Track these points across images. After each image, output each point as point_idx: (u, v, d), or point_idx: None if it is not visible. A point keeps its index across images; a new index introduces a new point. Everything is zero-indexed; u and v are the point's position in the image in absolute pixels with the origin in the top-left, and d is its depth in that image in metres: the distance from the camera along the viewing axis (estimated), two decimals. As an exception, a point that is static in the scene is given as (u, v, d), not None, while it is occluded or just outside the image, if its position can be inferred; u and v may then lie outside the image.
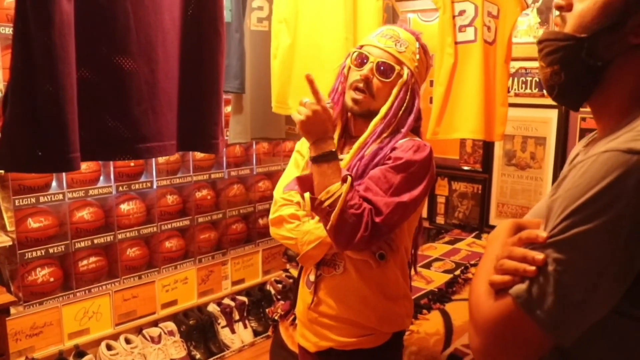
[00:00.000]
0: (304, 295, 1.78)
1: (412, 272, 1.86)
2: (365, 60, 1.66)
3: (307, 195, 1.48)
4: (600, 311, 0.82)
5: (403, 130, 1.65)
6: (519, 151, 3.34)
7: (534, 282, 0.83)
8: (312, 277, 1.74)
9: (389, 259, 1.63)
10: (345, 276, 1.67)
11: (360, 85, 1.64)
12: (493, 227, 3.40)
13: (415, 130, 1.74)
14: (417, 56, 1.68)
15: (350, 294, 1.67)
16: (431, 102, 3.23)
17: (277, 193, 1.80)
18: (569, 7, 0.93)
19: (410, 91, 1.66)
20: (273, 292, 3.67)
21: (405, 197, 1.55)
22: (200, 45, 1.49)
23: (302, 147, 1.84)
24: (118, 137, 1.33)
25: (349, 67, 1.70)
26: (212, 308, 3.49)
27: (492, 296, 0.88)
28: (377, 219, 1.50)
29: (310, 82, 1.48)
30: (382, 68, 1.64)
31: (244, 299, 3.61)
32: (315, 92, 1.50)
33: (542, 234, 0.84)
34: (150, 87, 1.37)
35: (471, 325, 0.92)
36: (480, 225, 3.52)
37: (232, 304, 3.53)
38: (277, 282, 3.59)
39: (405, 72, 1.65)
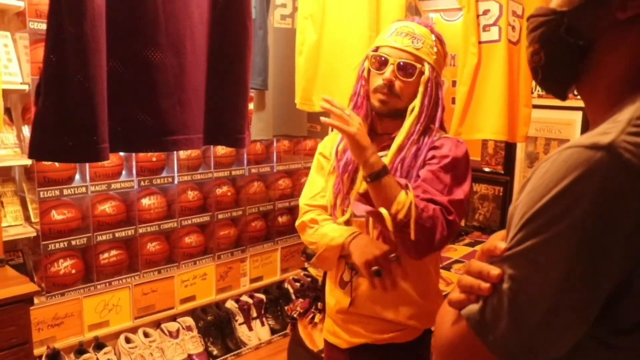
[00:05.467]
0: (338, 295, 1.77)
1: None
2: (385, 63, 1.64)
3: (384, 212, 1.45)
4: (568, 336, 0.70)
5: (434, 127, 1.66)
6: (542, 153, 3.31)
7: (487, 302, 0.73)
8: (346, 277, 1.73)
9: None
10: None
11: (384, 90, 1.63)
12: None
13: (442, 126, 1.73)
14: (435, 49, 1.65)
15: (386, 293, 1.67)
16: (453, 102, 3.22)
17: (302, 200, 1.80)
18: None
19: (435, 85, 1.66)
20: (291, 290, 3.68)
21: (460, 194, 1.57)
22: (228, 40, 1.50)
23: (325, 149, 1.83)
24: (146, 129, 1.34)
25: (369, 70, 1.69)
26: (230, 305, 3.51)
27: (453, 316, 0.79)
28: (450, 217, 1.51)
29: (330, 103, 1.47)
30: (403, 69, 1.62)
31: (262, 296, 3.62)
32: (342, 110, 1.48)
33: (501, 245, 0.73)
34: (178, 80, 1.38)
35: (432, 344, 0.84)
36: (501, 227, 3.47)
37: (250, 301, 3.55)
38: (295, 280, 3.59)
39: (427, 68, 1.63)
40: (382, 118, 1.71)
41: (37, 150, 1.23)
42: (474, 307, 0.75)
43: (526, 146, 3.35)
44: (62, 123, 1.20)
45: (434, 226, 1.47)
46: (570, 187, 0.66)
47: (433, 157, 1.60)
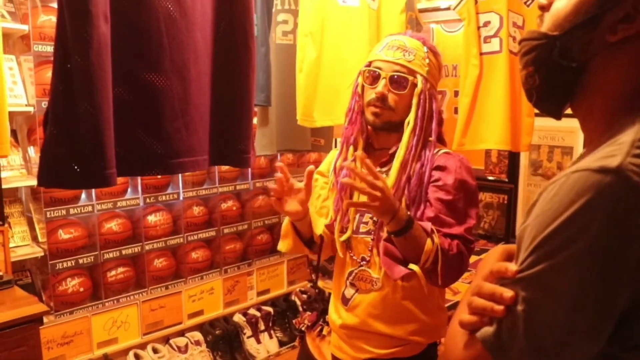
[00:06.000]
0: (341, 311, 1.77)
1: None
2: (377, 77, 1.64)
3: (417, 269, 1.48)
4: (582, 354, 0.72)
5: (432, 139, 1.65)
6: (546, 161, 3.32)
7: (502, 324, 0.74)
8: (347, 294, 1.74)
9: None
10: (382, 292, 1.68)
11: (378, 103, 1.63)
12: (519, 237, 3.39)
13: (440, 138, 1.73)
14: (427, 60, 1.65)
15: (387, 309, 1.68)
16: (456, 112, 3.24)
17: (319, 230, 1.76)
18: (549, 8, 0.83)
19: (429, 97, 1.65)
20: (298, 302, 3.68)
21: (473, 219, 1.59)
22: (232, 62, 1.51)
23: (323, 167, 1.86)
24: (152, 153, 1.36)
25: (363, 86, 1.69)
26: (238, 318, 3.51)
27: (464, 337, 0.80)
28: (470, 246, 1.55)
29: (363, 161, 1.39)
30: (395, 81, 1.62)
31: (270, 309, 3.63)
32: (371, 172, 1.39)
33: (512, 267, 0.74)
34: (183, 104, 1.40)
35: None
36: (506, 235, 3.49)
37: (258, 314, 3.55)
38: (302, 292, 3.59)
39: (419, 80, 1.63)
40: (378, 132, 1.72)
41: (45, 178, 1.25)
42: (488, 330, 0.75)
43: (530, 154, 3.36)
44: (70, 150, 1.22)
45: (460, 262, 1.52)
46: (580, 211, 0.67)
47: (439, 180, 1.59)
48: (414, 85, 1.63)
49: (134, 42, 1.30)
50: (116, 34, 1.25)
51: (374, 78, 1.65)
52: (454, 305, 2.59)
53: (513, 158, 3.43)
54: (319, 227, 1.76)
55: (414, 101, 1.63)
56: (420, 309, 1.68)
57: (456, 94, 3.41)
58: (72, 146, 1.20)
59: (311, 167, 1.64)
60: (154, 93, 1.33)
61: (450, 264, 1.49)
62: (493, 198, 3.52)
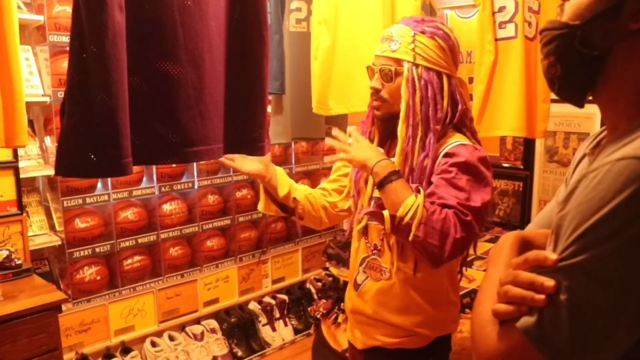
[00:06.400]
0: (352, 296, 1.81)
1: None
2: (373, 72, 1.68)
3: (386, 213, 1.48)
4: (624, 343, 0.71)
5: (432, 126, 1.59)
6: (561, 148, 3.29)
7: (544, 313, 0.72)
8: (359, 279, 1.78)
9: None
10: (390, 282, 1.69)
11: (374, 97, 1.69)
12: (535, 225, 3.37)
13: (459, 127, 1.65)
14: (414, 44, 1.59)
15: (393, 299, 1.69)
16: (471, 99, 3.21)
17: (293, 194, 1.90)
18: None
19: (421, 83, 1.59)
20: (313, 290, 3.70)
21: (477, 201, 1.51)
22: (245, 50, 1.51)
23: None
24: (167, 141, 1.36)
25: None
26: (253, 306, 3.54)
27: (497, 327, 0.78)
28: (467, 218, 1.47)
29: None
30: (385, 74, 1.64)
31: (285, 297, 3.65)
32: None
33: (552, 256, 0.73)
34: (198, 92, 1.41)
35: (475, 356, 0.82)
36: (521, 223, 3.48)
37: (273, 302, 3.58)
38: (317, 280, 3.61)
39: (405, 67, 1.60)
40: (395, 123, 1.68)
41: (62, 167, 1.26)
42: (529, 320, 0.74)
43: (545, 141, 3.34)
44: (86, 140, 1.23)
45: (446, 228, 1.43)
46: (629, 201, 0.66)
47: (445, 164, 1.55)
48: (401, 74, 1.61)
49: (148, 32, 1.30)
50: (131, 24, 1.26)
51: (371, 73, 1.70)
52: (469, 293, 2.60)
53: (528, 145, 3.41)
54: (298, 191, 1.87)
55: (402, 90, 1.61)
56: (428, 301, 1.68)
57: (471, 80, 3.37)
58: (88, 135, 1.21)
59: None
60: (168, 82, 1.34)
61: (433, 227, 1.43)
62: (508, 185, 3.51)
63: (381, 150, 1.67)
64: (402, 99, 1.60)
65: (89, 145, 1.20)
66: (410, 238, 1.44)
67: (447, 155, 1.57)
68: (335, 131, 1.66)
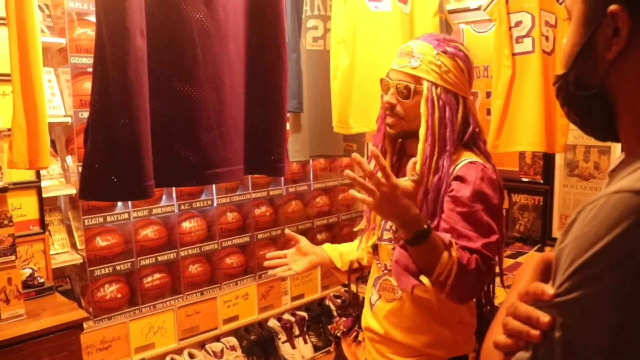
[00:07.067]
0: (367, 315, 1.81)
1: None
2: (388, 87, 1.63)
3: (426, 280, 1.43)
4: None
5: (448, 148, 1.57)
6: (582, 161, 3.26)
7: (538, 350, 0.71)
8: (373, 299, 1.77)
9: None
10: (401, 302, 1.68)
11: (388, 112, 1.64)
12: (556, 239, 3.33)
13: (469, 145, 1.64)
14: (436, 64, 1.56)
15: (405, 319, 1.68)
16: (488, 113, 3.20)
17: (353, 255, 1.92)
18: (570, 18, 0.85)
19: (440, 104, 1.57)
20: (332, 307, 3.69)
21: (494, 235, 1.49)
22: (265, 72, 1.53)
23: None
24: (189, 164, 1.38)
25: (383, 96, 1.68)
26: (273, 323, 3.53)
27: (498, 358, 0.79)
28: (490, 263, 1.48)
29: (376, 157, 1.33)
30: (400, 91, 1.60)
31: (304, 314, 3.64)
32: (382, 169, 1.33)
33: (549, 290, 0.71)
34: (218, 115, 1.42)
35: None
36: (542, 238, 3.44)
37: (292, 319, 3.57)
38: (336, 297, 3.60)
39: (425, 87, 1.57)
40: (407, 140, 1.69)
41: (86, 191, 1.28)
42: (524, 355, 0.73)
43: (565, 154, 3.30)
44: (109, 164, 1.25)
45: (478, 279, 1.44)
46: (622, 237, 0.65)
47: (453, 191, 1.52)
48: (420, 92, 1.57)
49: (169, 56, 1.32)
50: (152, 49, 1.28)
51: (386, 88, 1.64)
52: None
53: (548, 159, 3.38)
54: (350, 253, 1.88)
55: (422, 109, 1.57)
56: (440, 322, 1.66)
57: (488, 95, 3.37)
58: (111, 160, 1.23)
59: (287, 231, 1.72)
60: (189, 105, 1.36)
61: (466, 279, 1.41)
62: (528, 200, 3.48)
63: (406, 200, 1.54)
64: (421, 118, 1.58)
65: (112, 170, 1.21)
66: (445, 293, 1.43)
67: (457, 178, 1.55)
68: (350, 172, 1.45)
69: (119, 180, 1.23)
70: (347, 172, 1.32)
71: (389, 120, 1.64)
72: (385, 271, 1.71)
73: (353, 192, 1.41)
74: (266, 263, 1.71)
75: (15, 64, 2.04)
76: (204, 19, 1.31)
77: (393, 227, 1.66)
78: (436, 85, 1.57)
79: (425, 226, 1.39)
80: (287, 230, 1.67)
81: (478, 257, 1.44)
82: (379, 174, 1.35)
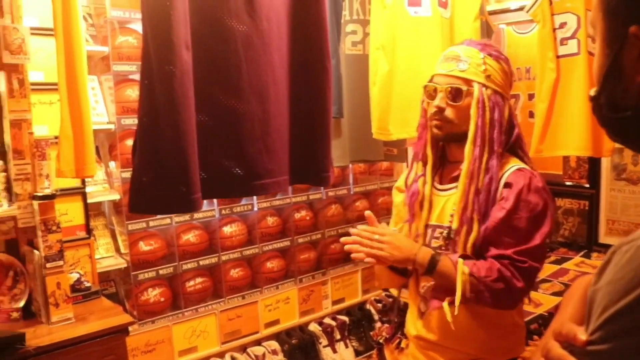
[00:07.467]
0: (416, 323, 1.80)
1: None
2: (435, 91, 1.65)
3: (446, 306, 1.56)
4: None
5: (496, 149, 1.61)
6: (630, 164, 3.17)
7: None
8: (422, 307, 1.77)
9: None
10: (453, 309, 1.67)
11: (436, 117, 1.65)
12: (603, 245, 3.26)
13: (514, 149, 1.68)
14: (484, 66, 1.62)
15: (458, 326, 1.66)
16: (531, 116, 3.14)
17: None
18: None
19: (490, 105, 1.61)
20: (373, 311, 3.67)
21: (538, 239, 1.55)
22: (309, 82, 1.53)
23: (400, 182, 1.89)
24: (235, 176, 1.39)
25: (427, 101, 1.70)
26: (314, 327, 3.53)
27: None
28: (524, 265, 1.53)
29: (369, 218, 1.60)
30: (451, 94, 1.62)
31: (345, 318, 3.63)
32: (372, 225, 1.60)
33: (582, 335, 0.69)
34: (263, 126, 1.43)
35: None
36: (588, 243, 3.36)
37: (333, 323, 3.57)
38: (377, 301, 3.59)
39: (476, 88, 1.61)
40: (450, 145, 1.72)
41: (135, 204, 1.30)
42: None
43: (612, 157, 3.22)
44: (157, 178, 1.26)
45: (506, 287, 1.52)
46: None
47: (503, 199, 1.58)
48: (471, 94, 1.61)
49: (213, 68, 1.33)
50: (196, 61, 1.29)
51: (433, 92, 1.67)
52: (536, 319, 2.52)
53: (594, 162, 3.29)
54: None
55: (472, 111, 1.61)
56: (493, 326, 1.68)
57: (530, 97, 3.31)
58: (159, 174, 1.25)
59: (367, 212, 1.70)
60: (234, 117, 1.36)
61: (495, 289, 1.51)
62: (573, 204, 3.40)
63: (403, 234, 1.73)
64: (471, 119, 1.61)
65: (160, 183, 1.23)
66: (483, 304, 1.55)
67: (507, 185, 1.59)
68: (356, 230, 1.64)
69: (167, 193, 1.25)
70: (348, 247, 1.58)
71: (437, 123, 1.66)
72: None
73: (357, 256, 1.60)
74: (345, 244, 1.72)
75: (62, 74, 2.09)
76: (247, 31, 1.31)
77: (443, 234, 1.66)
78: (485, 87, 1.62)
79: (431, 254, 1.55)
80: (367, 212, 1.69)
81: (508, 263, 1.52)
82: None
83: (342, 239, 1.62)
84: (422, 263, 1.56)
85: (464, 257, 1.57)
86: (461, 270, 1.51)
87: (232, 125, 1.36)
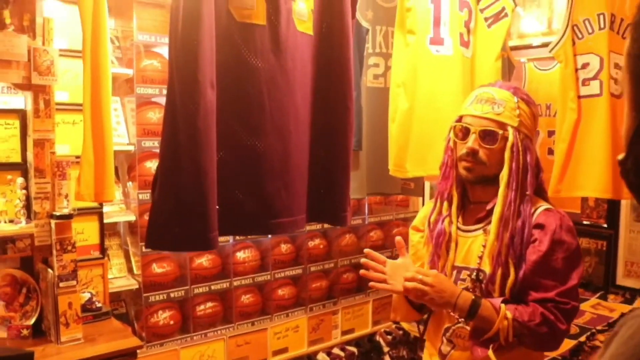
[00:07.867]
0: None
1: None
2: (467, 132, 1.64)
3: (490, 353, 1.53)
4: None
5: (529, 193, 1.61)
6: (651, 206, 3.14)
7: None
8: (444, 350, 1.72)
9: None
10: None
11: (468, 158, 1.63)
12: (620, 287, 3.21)
13: (540, 189, 1.69)
14: (518, 111, 1.62)
15: None
16: (550, 153, 3.12)
17: None
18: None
19: (522, 149, 1.61)
20: (383, 343, 3.63)
21: (575, 279, 1.57)
22: (330, 121, 1.53)
23: (417, 221, 1.88)
24: (252, 213, 1.39)
25: (454, 141, 1.69)
26: (322, 357, 3.50)
27: None
28: (567, 307, 1.53)
29: (400, 248, 1.62)
30: (485, 136, 1.61)
31: (354, 349, 3.60)
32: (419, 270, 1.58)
33: None
34: (283, 164, 1.43)
35: None
36: (605, 284, 3.31)
37: (342, 354, 3.53)
38: (387, 333, 3.55)
39: (510, 132, 1.60)
40: (473, 186, 1.71)
41: (152, 241, 1.30)
42: None
43: (632, 199, 3.18)
44: (175, 215, 1.27)
45: (550, 330, 1.51)
46: None
47: (537, 241, 1.57)
48: (505, 138, 1.61)
49: (236, 107, 1.34)
50: (220, 99, 1.30)
51: (464, 133, 1.65)
52: (611, 324, 2.53)
53: (613, 203, 3.27)
54: None
55: (507, 155, 1.60)
56: None
57: (550, 134, 3.29)
58: (177, 210, 1.25)
59: (398, 237, 1.69)
60: (255, 155, 1.37)
61: (540, 332, 1.51)
62: (590, 244, 3.36)
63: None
64: (505, 163, 1.60)
65: (178, 220, 1.23)
66: (524, 346, 1.56)
67: (537, 226, 1.59)
68: (410, 273, 1.60)
69: (185, 231, 1.25)
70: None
71: (467, 164, 1.65)
72: (461, 320, 1.67)
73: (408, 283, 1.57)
74: (363, 264, 1.70)
75: (87, 99, 2.12)
76: (272, 70, 1.32)
77: (471, 276, 1.65)
78: (519, 131, 1.62)
79: (472, 299, 1.54)
80: (398, 238, 1.70)
81: (551, 306, 1.52)
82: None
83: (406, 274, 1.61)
84: (463, 307, 1.54)
85: (505, 301, 1.55)
86: (503, 314, 1.51)
87: (252, 162, 1.37)
